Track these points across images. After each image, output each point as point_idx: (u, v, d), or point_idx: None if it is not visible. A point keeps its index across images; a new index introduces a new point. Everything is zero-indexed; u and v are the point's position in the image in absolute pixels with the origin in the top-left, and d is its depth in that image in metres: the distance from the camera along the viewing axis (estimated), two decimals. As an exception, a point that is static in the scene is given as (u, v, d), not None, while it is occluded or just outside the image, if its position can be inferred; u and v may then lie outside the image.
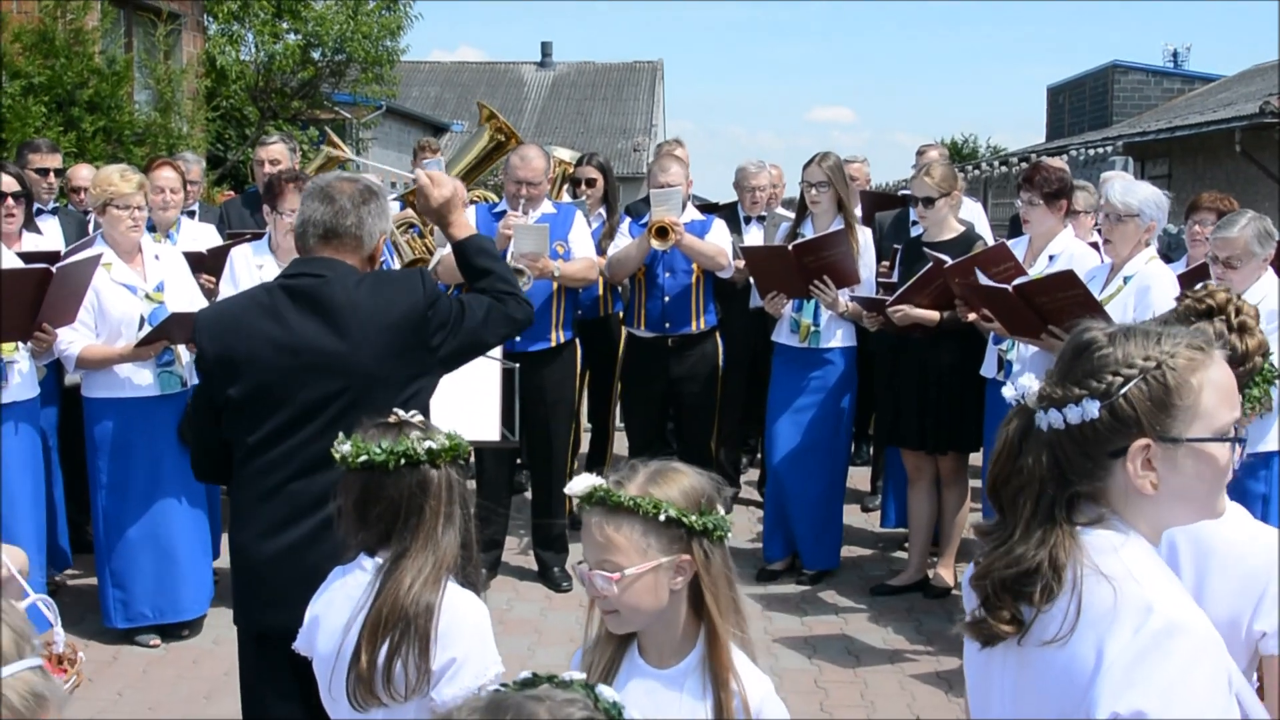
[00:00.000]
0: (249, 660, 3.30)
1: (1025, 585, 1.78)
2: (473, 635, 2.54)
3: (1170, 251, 7.05)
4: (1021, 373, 5.64)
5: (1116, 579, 1.74)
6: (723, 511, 2.27)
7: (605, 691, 1.37)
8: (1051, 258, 5.74)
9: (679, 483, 2.22)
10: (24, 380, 5.29)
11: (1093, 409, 1.77)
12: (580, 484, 2.22)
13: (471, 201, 7.90)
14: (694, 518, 2.19)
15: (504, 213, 6.44)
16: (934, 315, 5.96)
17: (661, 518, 2.17)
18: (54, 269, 4.98)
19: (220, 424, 3.30)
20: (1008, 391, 1.91)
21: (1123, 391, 1.76)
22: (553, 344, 6.43)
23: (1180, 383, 1.77)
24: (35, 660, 1.32)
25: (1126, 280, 5.24)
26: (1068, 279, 5.07)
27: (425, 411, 3.19)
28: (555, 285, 6.37)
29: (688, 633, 2.27)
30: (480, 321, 3.44)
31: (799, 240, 6.35)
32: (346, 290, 3.27)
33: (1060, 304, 5.05)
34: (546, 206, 6.56)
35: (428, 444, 2.59)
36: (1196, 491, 1.81)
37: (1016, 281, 5.21)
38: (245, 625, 3.32)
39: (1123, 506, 1.82)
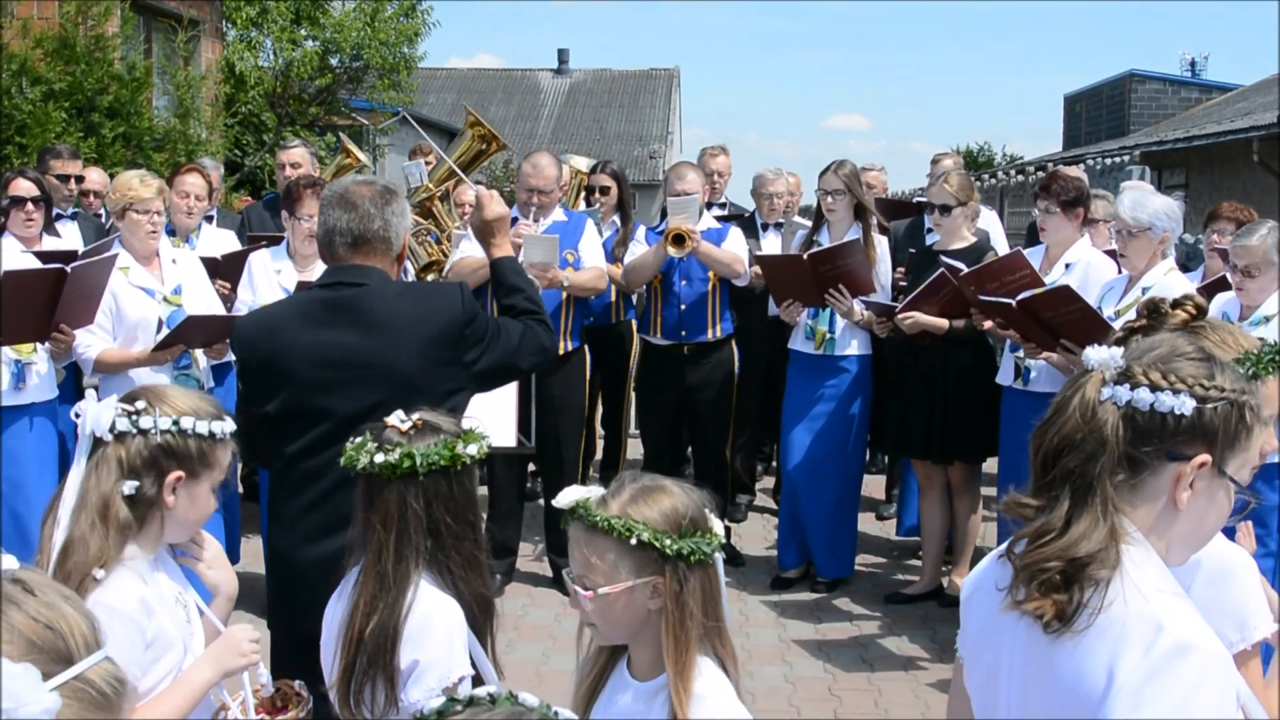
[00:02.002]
0: (285, 665, 3.28)
1: (1093, 571, 1.78)
2: (440, 638, 2.50)
3: (1188, 261, 7.03)
4: (1039, 379, 5.68)
5: (1130, 591, 1.77)
6: (716, 528, 2.25)
7: (563, 712, 1.39)
8: (1068, 266, 5.74)
9: (661, 504, 2.20)
10: (42, 381, 5.31)
11: (1188, 405, 1.80)
12: (565, 497, 2.22)
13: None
14: (667, 542, 2.17)
15: (515, 220, 6.45)
16: (943, 323, 5.96)
17: (633, 541, 2.16)
18: (69, 269, 5.00)
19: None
20: (1092, 354, 1.90)
21: (1216, 405, 1.81)
22: (561, 352, 6.43)
23: (1253, 426, 1.85)
24: (105, 651, 1.36)
25: (1145, 291, 5.23)
26: (1065, 294, 5.07)
27: None
28: (565, 294, 6.38)
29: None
30: (515, 346, 3.47)
31: (814, 249, 6.35)
32: (387, 301, 3.29)
33: (1065, 318, 5.05)
34: (558, 214, 6.56)
35: (377, 457, 2.52)
36: (1207, 525, 1.88)
37: (1020, 296, 5.21)
38: (283, 630, 3.31)
39: (1147, 518, 1.85)
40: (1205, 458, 1.81)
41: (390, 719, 2.52)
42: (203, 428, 2.53)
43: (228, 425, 2.60)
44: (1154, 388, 1.82)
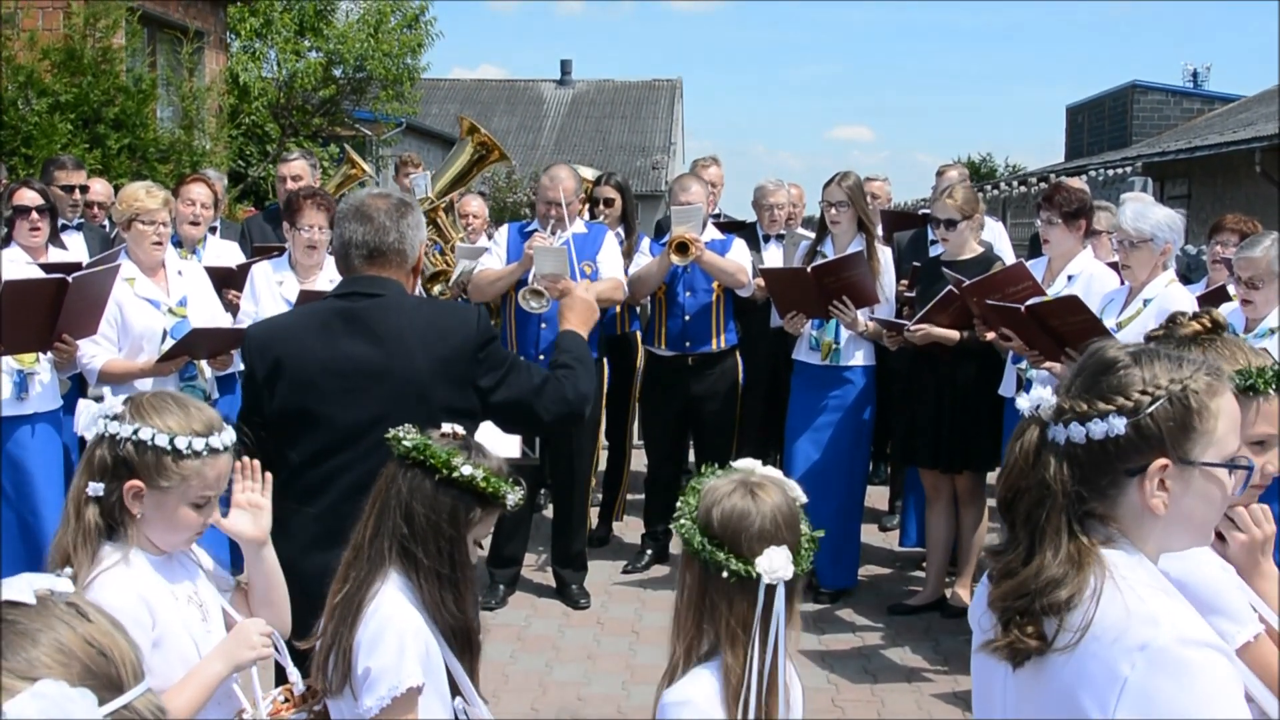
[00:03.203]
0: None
1: (1053, 598, 1.80)
2: (390, 647, 2.51)
3: (1189, 272, 7.03)
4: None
5: (1129, 595, 1.77)
6: (762, 564, 2.28)
7: None
8: (1070, 278, 5.75)
9: (728, 505, 2.31)
10: (45, 391, 5.31)
11: (1119, 425, 1.80)
12: (744, 463, 2.41)
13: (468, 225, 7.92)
14: (693, 534, 2.29)
15: (534, 232, 6.48)
16: (954, 335, 5.96)
17: (677, 519, 2.34)
18: (70, 279, 5.00)
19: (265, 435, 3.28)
20: (1022, 402, 1.92)
21: (1150, 410, 1.80)
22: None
23: (1201, 406, 1.81)
24: (147, 683, 1.38)
25: (1146, 303, 5.24)
26: (1073, 304, 5.08)
27: None
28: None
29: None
30: (535, 388, 3.43)
31: (818, 262, 6.36)
32: (401, 314, 3.30)
33: (1072, 327, 5.06)
34: (578, 226, 6.59)
35: (399, 432, 2.61)
36: (1200, 516, 1.87)
37: (1029, 302, 5.22)
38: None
39: (1132, 526, 1.86)
40: (1161, 461, 1.81)
41: (344, 705, 2.56)
42: (162, 441, 2.50)
43: (209, 441, 2.55)
44: (1083, 419, 1.83)
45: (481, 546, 2.74)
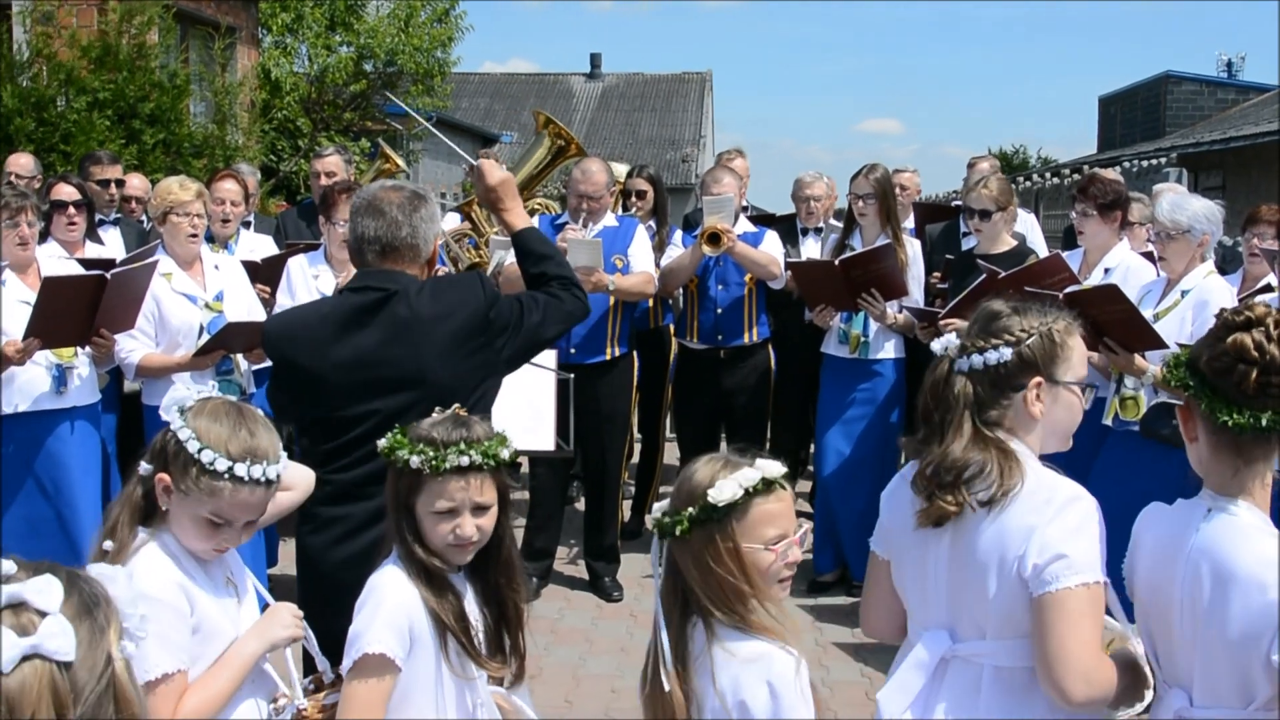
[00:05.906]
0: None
1: (968, 474, 2.47)
2: (369, 613, 2.58)
3: (1225, 264, 6.96)
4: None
5: (1030, 473, 2.48)
6: (655, 510, 2.57)
7: None
8: (1107, 270, 5.70)
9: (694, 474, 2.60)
10: (84, 385, 5.35)
11: (1006, 353, 2.53)
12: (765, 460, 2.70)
13: (532, 211, 7.95)
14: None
15: (566, 224, 6.50)
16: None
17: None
18: (109, 275, 5.05)
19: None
20: (936, 345, 2.63)
21: (1027, 342, 2.54)
22: (608, 357, 6.46)
23: (1063, 341, 2.56)
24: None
25: (1184, 294, 5.19)
26: (1112, 293, 5.04)
27: (488, 412, 3.25)
28: (612, 299, 6.40)
29: None
30: (539, 321, 3.51)
31: (846, 255, 6.34)
32: (410, 302, 3.32)
33: (1110, 316, 5.01)
34: (609, 220, 6.60)
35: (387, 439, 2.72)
36: (1061, 424, 2.59)
37: (1067, 290, 5.18)
38: (313, 629, 3.34)
39: (1020, 427, 2.55)
40: (1038, 379, 2.54)
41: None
42: (192, 448, 2.51)
43: (234, 468, 2.51)
44: (980, 350, 2.55)
45: (469, 526, 2.71)
